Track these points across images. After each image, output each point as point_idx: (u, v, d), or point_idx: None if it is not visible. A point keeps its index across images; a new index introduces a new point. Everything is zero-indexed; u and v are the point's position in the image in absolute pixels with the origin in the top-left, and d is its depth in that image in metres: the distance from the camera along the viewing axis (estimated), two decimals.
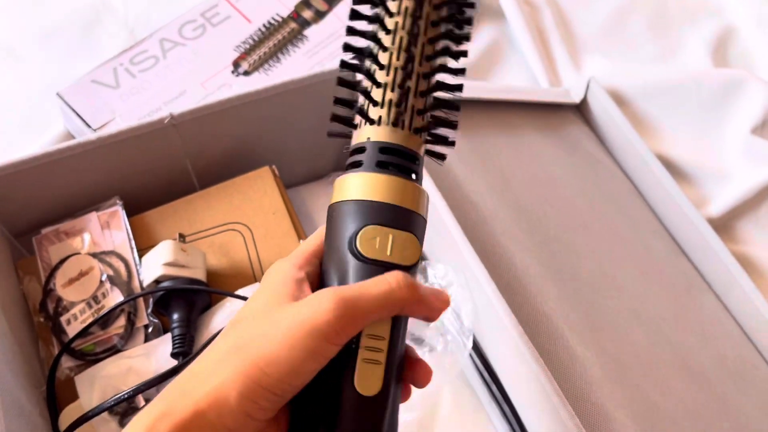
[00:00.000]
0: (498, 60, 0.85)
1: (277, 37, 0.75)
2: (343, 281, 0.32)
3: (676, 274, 0.68)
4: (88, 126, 0.66)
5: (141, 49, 0.72)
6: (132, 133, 0.55)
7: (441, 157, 0.35)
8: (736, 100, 0.76)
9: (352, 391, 0.29)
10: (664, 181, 0.71)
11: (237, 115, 0.58)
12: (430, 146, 0.35)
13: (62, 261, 0.56)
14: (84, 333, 0.53)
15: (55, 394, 0.51)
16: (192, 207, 0.59)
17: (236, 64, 0.72)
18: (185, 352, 0.50)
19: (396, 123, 0.33)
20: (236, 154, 0.62)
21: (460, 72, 0.34)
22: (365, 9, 0.34)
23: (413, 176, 0.33)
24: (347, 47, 0.34)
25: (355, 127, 0.34)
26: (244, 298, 0.53)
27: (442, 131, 0.34)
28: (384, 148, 0.33)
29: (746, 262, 0.70)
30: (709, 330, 0.65)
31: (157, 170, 0.59)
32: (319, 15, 0.77)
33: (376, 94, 0.33)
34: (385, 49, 0.33)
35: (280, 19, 0.76)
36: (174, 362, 0.50)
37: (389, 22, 0.33)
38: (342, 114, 0.34)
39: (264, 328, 0.29)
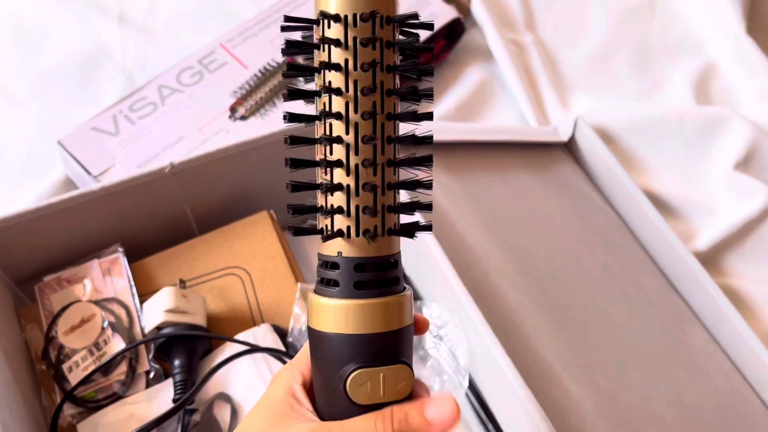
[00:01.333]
0: (487, 100, 0.87)
1: (273, 82, 0.77)
2: (334, 417, 0.31)
3: (667, 309, 0.70)
4: (89, 173, 0.68)
5: (140, 96, 0.74)
6: (133, 182, 0.56)
7: (427, 228, 0.31)
8: (719, 136, 0.79)
9: None
10: (652, 217, 0.73)
11: (234, 162, 0.60)
12: (407, 226, 0.31)
13: (64, 308, 0.57)
14: (86, 380, 0.54)
15: None
16: (192, 252, 0.61)
17: (233, 109, 0.74)
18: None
19: (367, 232, 0.29)
20: (234, 199, 0.64)
21: (426, 139, 0.29)
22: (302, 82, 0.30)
23: (396, 282, 0.31)
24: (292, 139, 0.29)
25: (321, 233, 0.30)
26: (244, 343, 0.54)
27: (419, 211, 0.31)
28: (359, 265, 0.29)
29: (734, 295, 0.72)
30: (700, 363, 0.66)
31: (157, 217, 0.61)
32: None
33: (339, 199, 0.29)
34: (339, 140, 0.29)
35: (275, 65, 0.78)
36: None
37: (338, 103, 0.29)
38: (302, 212, 0.30)
39: None
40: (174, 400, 0.51)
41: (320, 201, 0.30)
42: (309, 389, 0.33)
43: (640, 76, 0.90)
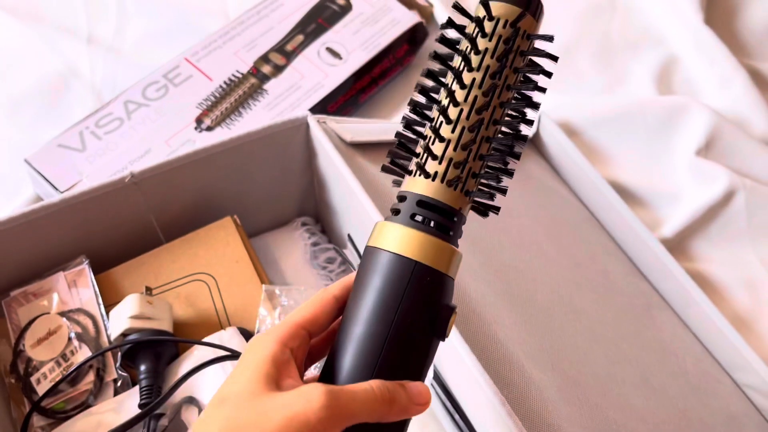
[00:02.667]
0: None
1: (238, 93, 0.78)
2: (410, 357, 0.33)
3: (635, 295, 0.70)
4: (56, 189, 0.68)
5: (106, 112, 0.75)
6: (94, 193, 0.57)
7: (493, 209, 0.35)
8: (680, 125, 0.80)
9: None
10: (618, 206, 0.74)
11: (197, 169, 0.61)
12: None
13: (31, 322, 0.57)
14: (53, 391, 0.54)
15: None
16: (157, 260, 0.61)
17: (199, 121, 0.75)
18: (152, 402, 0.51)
19: (453, 185, 0.33)
20: (199, 206, 0.64)
21: (522, 137, 0.35)
22: (447, 50, 0.35)
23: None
24: (422, 90, 0.35)
25: (409, 173, 0.35)
26: (211, 345, 0.55)
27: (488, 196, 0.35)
28: (456, 221, 0.34)
29: (701, 278, 0.72)
30: (669, 347, 0.67)
31: (122, 227, 0.61)
32: (278, 69, 0.80)
33: (438, 149, 0.33)
34: (456, 103, 0.34)
35: (240, 76, 0.79)
36: None
37: (466, 78, 0.34)
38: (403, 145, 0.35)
39: (253, 418, 0.30)
40: (140, 405, 0.52)
41: (419, 148, 0.35)
42: (296, 354, 0.33)
43: (603, 71, 0.92)
